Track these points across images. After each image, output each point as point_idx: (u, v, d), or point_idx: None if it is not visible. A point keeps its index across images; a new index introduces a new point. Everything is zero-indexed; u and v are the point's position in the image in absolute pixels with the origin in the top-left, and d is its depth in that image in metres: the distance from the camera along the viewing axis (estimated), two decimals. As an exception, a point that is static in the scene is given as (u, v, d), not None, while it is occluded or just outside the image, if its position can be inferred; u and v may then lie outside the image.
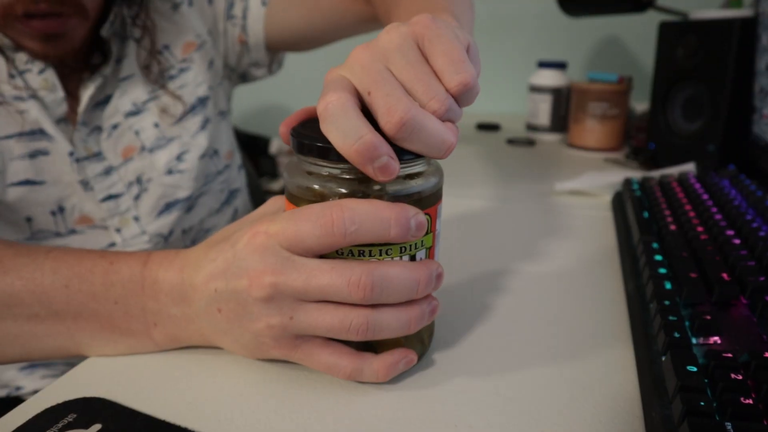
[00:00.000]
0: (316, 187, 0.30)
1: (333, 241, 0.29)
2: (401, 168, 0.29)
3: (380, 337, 0.30)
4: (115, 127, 0.59)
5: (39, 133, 0.53)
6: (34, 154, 0.53)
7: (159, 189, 0.61)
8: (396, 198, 0.30)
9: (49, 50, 0.53)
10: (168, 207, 0.62)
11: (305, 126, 0.32)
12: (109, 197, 0.58)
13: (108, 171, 0.58)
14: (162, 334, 0.35)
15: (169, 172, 0.62)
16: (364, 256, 0.30)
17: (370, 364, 0.32)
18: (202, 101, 0.65)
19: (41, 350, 0.36)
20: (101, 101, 0.58)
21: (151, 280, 0.34)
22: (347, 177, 0.30)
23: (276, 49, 0.73)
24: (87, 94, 0.56)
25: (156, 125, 0.61)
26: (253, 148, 1.49)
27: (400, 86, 0.29)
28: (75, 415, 0.30)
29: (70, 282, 0.35)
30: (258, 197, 1.00)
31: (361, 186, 0.30)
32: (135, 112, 0.60)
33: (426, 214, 0.31)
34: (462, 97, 0.29)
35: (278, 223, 0.30)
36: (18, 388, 0.61)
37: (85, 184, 0.57)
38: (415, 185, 0.30)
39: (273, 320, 0.30)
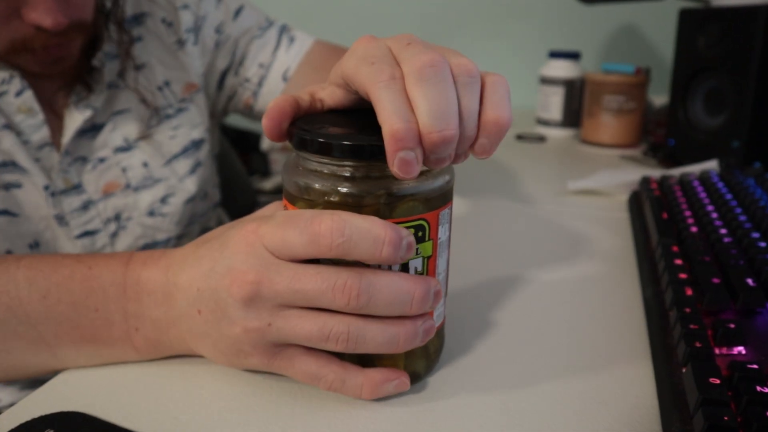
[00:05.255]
0: (317, 185, 0.30)
1: (318, 252, 0.29)
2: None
3: (363, 350, 0.30)
4: (102, 160, 0.60)
5: (11, 165, 0.53)
6: (7, 187, 0.53)
7: (138, 229, 0.62)
8: (396, 198, 0.30)
9: (53, 69, 0.53)
10: (145, 248, 0.63)
11: (306, 120, 0.32)
12: (85, 233, 0.59)
13: (86, 206, 0.58)
14: (143, 339, 0.35)
15: (151, 213, 0.63)
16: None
17: (354, 376, 0.31)
18: (196, 144, 0.66)
19: (23, 370, 0.37)
20: (87, 129, 0.58)
21: (134, 280, 0.34)
22: (348, 175, 0.30)
23: None
24: (74, 125, 0.56)
25: (145, 164, 0.62)
26: (243, 144, 1.49)
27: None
28: (52, 431, 0.30)
29: (48, 292, 0.35)
30: (249, 196, 1.00)
31: (363, 185, 0.29)
32: (125, 149, 0.61)
33: (423, 219, 0.30)
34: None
35: (269, 225, 0.30)
36: (-7, 402, 0.61)
37: (60, 219, 0.57)
38: (412, 185, 0.30)
39: (251, 325, 0.30)
